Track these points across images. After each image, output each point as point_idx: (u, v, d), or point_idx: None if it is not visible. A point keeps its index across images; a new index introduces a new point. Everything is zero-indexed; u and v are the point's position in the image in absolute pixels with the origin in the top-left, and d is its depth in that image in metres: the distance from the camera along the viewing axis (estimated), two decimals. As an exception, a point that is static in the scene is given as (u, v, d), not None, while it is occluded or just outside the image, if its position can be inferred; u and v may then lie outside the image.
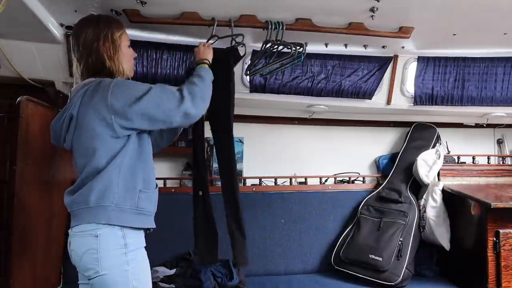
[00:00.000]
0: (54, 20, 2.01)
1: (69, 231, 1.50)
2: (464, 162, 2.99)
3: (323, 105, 2.71)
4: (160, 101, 1.48)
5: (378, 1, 1.81)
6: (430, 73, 2.60)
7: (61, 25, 2.05)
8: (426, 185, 2.71)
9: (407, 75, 2.65)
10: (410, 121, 3.05)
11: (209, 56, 1.82)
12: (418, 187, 2.80)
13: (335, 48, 2.45)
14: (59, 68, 2.25)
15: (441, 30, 2.21)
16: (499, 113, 2.75)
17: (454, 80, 2.62)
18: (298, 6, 1.91)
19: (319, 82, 2.55)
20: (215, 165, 2.96)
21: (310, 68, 2.52)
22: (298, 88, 2.56)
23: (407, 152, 2.97)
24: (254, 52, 2.34)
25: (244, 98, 2.56)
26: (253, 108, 2.85)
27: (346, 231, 2.76)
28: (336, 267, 2.65)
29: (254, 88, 2.53)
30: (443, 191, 2.64)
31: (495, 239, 2.26)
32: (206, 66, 1.78)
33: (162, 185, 2.76)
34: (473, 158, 3.00)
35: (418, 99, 2.66)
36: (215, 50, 1.88)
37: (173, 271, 2.42)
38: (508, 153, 3.19)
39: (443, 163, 2.79)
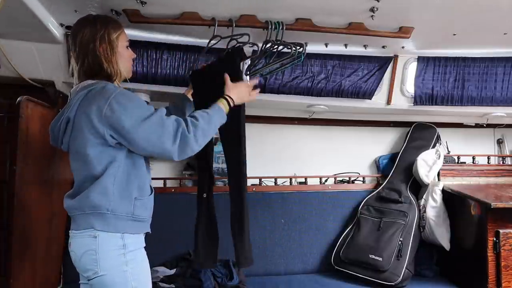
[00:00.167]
0: (54, 20, 2.01)
1: (70, 232, 1.51)
2: (464, 162, 2.99)
3: (323, 105, 2.71)
4: (158, 132, 1.43)
5: (378, 1, 1.81)
6: (430, 73, 2.60)
7: (61, 25, 2.05)
8: (426, 185, 2.71)
9: (407, 75, 2.65)
10: (410, 121, 3.05)
11: (240, 99, 1.74)
12: (418, 187, 2.80)
13: (335, 48, 2.45)
14: (59, 68, 2.25)
15: (441, 30, 2.21)
16: (499, 113, 2.75)
17: (454, 80, 2.62)
18: (298, 6, 1.91)
19: (319, 82, 2.55)
20: (215, 165, 2.97)
21: (310, 68, 2.51)
22: (298, 88, 2.56)
23: (407, 152, 2.97)
24: (254, 52, 2.34)
25: (244, 98, 2.56)
26: (253, 108, 2.84)
27: (346, 231, 2.76)
28: (336, 267, 2.65)
29: (254, 88, 2.52)
30: (443, 191, 2.64)
31: (495, 239, 2.26)
32: (226, 107, 1.67)
33: (162, 185, 2.76)
34: (473, 158, 3.00)
35: (418, 99, 2.66)
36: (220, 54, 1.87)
37: (173, 271, 2.42)
38: (508, 153, 3.19)
39: (443, 163, 2.79)
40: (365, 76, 2.57)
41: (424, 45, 2.45)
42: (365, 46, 2.43)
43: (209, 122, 1.55)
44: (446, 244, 2.57)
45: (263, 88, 2.53)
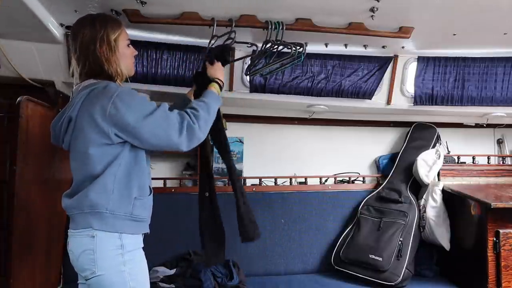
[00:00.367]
0: (54, 20, 2.01)
1: (68, 231, 1.51)
2: (464, 162, 2.99)
3: (323, 105, 2.71)
4: (163, 126, 1.47)
5: (378, 1, 1.81)
6: (430, 73, 2.61)
7: (61, 25, 2.05)
8: (426, 185, 2.71)
9: (407, 75, 2.65)
10: (410, 121, 3.05)
11: (221, 73, 1.82)
12: (418, 187, 2.80)
13: (335, 48, 2.45)
14: (59, 68, 2.25)
15: (441, 30, 2.21)
16: (499, 113, 2.75)
17: (454, 80, 2.62)
18: (298, 6, 1.91)
19: (319, 82, 2.55)
20: (216, 165, 2.97)
21: (310, 68, 2.52)
22: (298, 88, 2.56)
23: (407, 152, 2.97)
24: (254, 52, 2.34)
25: (244, 98, 2.57)
26: (253, 108, 2.85)
27: (346, 231, 2.76)
28: (336, 267, 2.65)
29: (254, 88, 2.53)
30: (443, 191, 2.64)
31: (495, 239, 2.26)
32: (218, 90, 1.75)
33: (162, 185, 2.76)
34: (473, 158, 3.00)
35: (418, 99, 2.66)
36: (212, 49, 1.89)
37: (173, 271, 2.42)
38: (508, 153, 3.19)
39: (443, 163, 2.79)
40: (365, 76, 2.57)
41: (424, 45, 2.45)
42: (365, 46, 2.43)
43: (208, 110, 1.60)
44: (446, 244, 2.57)
45: (263, 88, 2.53)
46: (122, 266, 1.43)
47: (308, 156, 3.08)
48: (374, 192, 2.86)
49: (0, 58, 2.17)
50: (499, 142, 3.25)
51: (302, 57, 2.01)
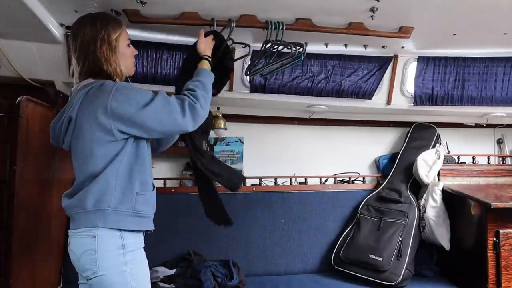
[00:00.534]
0: (54, 20, 2.01)
1: (69, 231, 1.50)
2: (464, 162, 2.99)
3: (323, 105, 2.71)
4: (165, 111, 1.48)
5: (378, 1, 1.81)
6: (430, 73, 2.61)
7: (61, 25, 2.05)
8: (426, 185, 2.71)
9: (407, 75, 2.65)
10: (410, 121, 3.05)
11: (209, 49, 1.84)
12: (418, 187, 2.80)
13: (335, 48, 2.45)
14: (59, 68, 2.25)
15: (441, 30, 2.21)
16: (499, 113, 2.75)
17: (454, 80, 2.62)
18: (298, 6, 1.91)
19: (319, 82, 2.55)
20: (215, 165, 2.96)
21: (310, 68, 2.52)
22: (298, 88, 2.56)
23: (407, 152, 2.97)
24: (254, 52, 2.34)
25: (244, 98, 2.57)
26: (253, 108, 2.85)
27: (346, 231, 2.76)
28: (336, 267, 2.65)
29: (254, 88, 2.53)
30: (443, 191, 2.64)
31: (495, 239, 2.26)
32: (208, 66, 1.78)
33: (162, 185, 2.76)
34: (473, 158, 3.00)
35: (418, 99, 2.66)
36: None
37: (173, 271, 2.42)
38: (508, 153, 3.19)
39: (443, 163, 2.79)
40: (365, 76, 2.57)
41: (424, 45, 2.45)
42: (365, 46, 2.43)
43: (204, 87, 1.63)
44: (446, 244, 2.57)
45: (263, 88, 2.53)
46: (124, 266, 1.43)
47: (308, 156, 3.08)
48: (374, 192, 2.86)
49: (0, 58, 2.17)
50: (499, 142, 3.25)
51: (302, 57, 2.01)
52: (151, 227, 1.57)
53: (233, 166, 3.00)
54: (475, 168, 2.90)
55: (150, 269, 1.56)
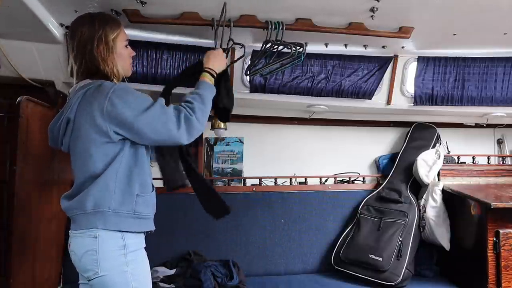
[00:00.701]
0: (54, 20, 2.01)
1: (70, 232, 1.50)
2: (464, 162, 2.99)
3: (323, 105, 2.71)
4: (161, 120, 1.46)
5: (378, 1, 1.81)
6: (430, 73, 2.60)
7: (61, 25, 2.05)
8: (426, 185, 2.71)
9: (407, 75, 2.65)
10: (410, 121, 3.05)
11: (218, 66, 1.77)
12: (418, 187, 2.80)
13: (335, 48, 2.45)
14: (59, 68, 2.25)
15: (441, 30, 2.21)
16: (499, 113, 2.75)
17: (454, 80, 2.62)
18: (298, 6, 1.91)
19: (319, 82, 2.55)
20: (216, 165, 2.97)
21: (310, 68, 2.52)
22: (298, 88, 2.56)
23: (407, 152, 2.97)
24: (254, 52, 2.34)
25: (244, 98, 2.56)
26: (253, 108, 2.85)
27: (346, 231, 2.76)
28: (336, 267, 2.65)
29: (254, 88, 2.53)
30: (443, 191, 2.64)
31: (495, 239, 2.26)
32: (211, 79, 1.72)
33: (162, 185, 2.75)
34: (473, 158, 2.99)
35: (418, 99, 2.66)
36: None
37: (173, 271, 2.42)
38: (508, 153, 3.19)
39: (443, 163, 2.79)
40: (365, 76, 2.57)
41: (424, 45, 2.45)
42: (365, 46, 2.43)
43: (203, 100, 1.59)
44: (446, 244, 2.57)
45: (263, 88, 2.53)
46: (125, 267, 1.43)
47: (308, 156, 3.08)
48: (374, 192, 2.86)
49: (0, 58, 2.17)
50: (499, 142, 3.25)
51: (302, 57, 2.01)
52: (151, 227, 1.57)
53: (233, 166, 3.00)
54: (475, 168, 2.90)
55: (150, 269, 1.56)
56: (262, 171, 2.93)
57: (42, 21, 1.92)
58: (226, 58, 1.85)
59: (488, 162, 3.01)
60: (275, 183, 2.91)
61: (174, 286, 2.31)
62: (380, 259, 2.47)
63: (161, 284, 2.30)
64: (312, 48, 2.39)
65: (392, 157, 3.07)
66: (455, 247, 2.56)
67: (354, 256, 2.58)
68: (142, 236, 1.54)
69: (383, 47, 2.45)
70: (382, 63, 2.56)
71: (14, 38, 2.11)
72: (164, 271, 2.41)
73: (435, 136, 2.98)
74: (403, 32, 2.12)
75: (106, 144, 1.44)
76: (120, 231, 1.44)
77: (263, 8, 1.91)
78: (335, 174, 3.00)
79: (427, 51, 2.54)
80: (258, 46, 2.18)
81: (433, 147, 2.93)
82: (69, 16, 1.90)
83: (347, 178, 3.01)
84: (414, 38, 2.22)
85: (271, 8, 1.91)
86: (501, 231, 2.25)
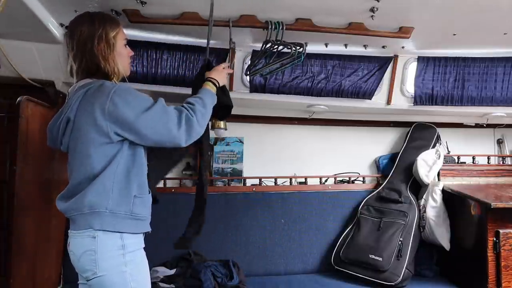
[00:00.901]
0: (54, 20, 2.01)
1: (69, 232, 1.50)
2: (464, 162, 2.99)
3: (323, 105, 2.71)
4: (162, 120, 1.46)
5: (378, 1, 1.81)
6: (430, 73, 2.61)
7: (61, 25, 2.05)
8: (426, 185, 2.71)
9: (407, 75, 2.65)
10: (410, 121, 3.05)
11: (221, 79, 1.81)
12: (418, 187, 2.80)
13: (335, 48, 2.45)
14: (59, 68, 2.24)
15: (441, 30, 2.21)
16: (499, 113, 2.75)
17: (454, 80, 2.62)
18: (298, 6, 1.91)
19: (319, 82, 2.55)
20: (216, 165, 2.97)
21: (310, 68, 2.52)
22: (298, 88, 2.56)
23: (407, 152, 2.97)
24: (254, 52, 2.34)
25: (244, 98, 2.57)
26: (253, 108, 2.85)
27: (346, 231, 2.76)
28: (336, 267, 2.65)
29: (254, 88, 2.53)
30: (443, 191, 2.64)
31: (495, 239, 2.26)
32: (213, 87, 1.75)
33: (162, 185, 2.76)
34: (473, 158, 3.00)
35: (418, 99, 2.66)
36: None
37: (173, 271, 2.42)
38: (508, 153, 3.19)
39: (443, 163, 2.79)
40: (365, 76, 2.57)
41: (424, 45, 2.45)
42: (365, 46, 2.43)
43: (204, 105, 1.61)
44: (446, 244, 2.57)
45: (263, 88, 2.53)
46: (124, 267, 1.42)
47: (308, 156, 3.08)
48: (374, 192, 2.86)
49: (0, 58, 2.17)
50: (499, 142, 3.24)
51: (302, 57, 2.01)
52: (147, 229, 1.56)
53: (233, 166, 3.00)
54: (475, 168, 2.90)
55: (150, 269, 1.56)
56: (262, 171, 2.93)
57: (42, 21, 1.92)
58: (232, 69, 1.88)
59: (488, 162, 3.01)
60: (275, 183, 2.91)
61: (174, 286, 2.31)
62: (380, 259, 2.47)
63: (161, 284, 2.30)
64: (312, 48, 2.39)
65: (392, 157, 3.07)
66: (455, 247, 2.56)
67: (354, 256, 2.58)
68: (141, 237, 1.54)
69: (383, 47, 2.45)
70: (382, 63, 2.56)
71: (14, 38, 2.11)
72: (164, 271, 2.41)
73: (435, 136, 2.98)
74: (403, 32, 2.12)
75: (105, 145, 1.43)
76: (118, 231, 1.44)
77: (263, 8, 1.91)
78: (335, 174, 3.00)
79: (427, 51, 2.54)
80: (258, 46, 2.18)
81: (433, 147, 2.93)
82: (69, 16, 1.89)
83: (347, 178, 3.01)
84: (414, 38, 2.22)
85: (271, 8, 1.91)
86: (501, 231, 2.25)
